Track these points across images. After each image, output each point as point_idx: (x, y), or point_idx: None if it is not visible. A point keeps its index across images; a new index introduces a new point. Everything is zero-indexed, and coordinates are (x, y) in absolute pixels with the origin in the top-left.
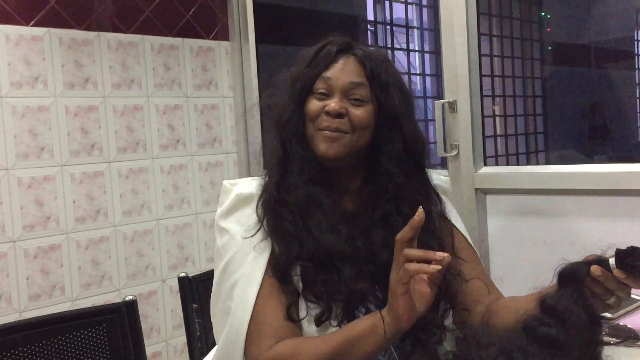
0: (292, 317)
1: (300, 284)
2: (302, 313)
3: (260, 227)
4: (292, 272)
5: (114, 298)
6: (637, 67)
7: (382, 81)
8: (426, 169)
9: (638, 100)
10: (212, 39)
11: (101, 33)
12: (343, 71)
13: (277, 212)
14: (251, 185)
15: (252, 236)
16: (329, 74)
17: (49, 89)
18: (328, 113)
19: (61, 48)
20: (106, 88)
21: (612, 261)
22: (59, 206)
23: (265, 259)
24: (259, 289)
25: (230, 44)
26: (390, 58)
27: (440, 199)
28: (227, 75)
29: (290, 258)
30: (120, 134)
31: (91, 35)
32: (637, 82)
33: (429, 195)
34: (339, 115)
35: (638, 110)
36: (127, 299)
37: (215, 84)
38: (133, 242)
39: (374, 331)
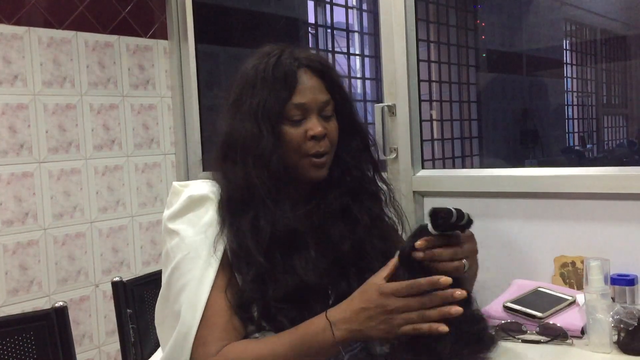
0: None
1: (256, 318)
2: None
3: (213, 232)
4: (252, 309)
5: (43, 304)
6: (565, 75)
7: (339, 88)
8: (379, 164)
9: (566, 107)
10: (149, 37)
11: (32, 28)
12: (311, 91)
13: (250, 251)
14: (204, 187)
15: (212, 245)
16: (300, 98)
17: None
18: (314, 137)
19: None
20: (36, 85)
21: (429, 226)
22: None
23: (217, 261)
24: (210, 292)
25: (168, 42)
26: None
27: (391, 190)
28: (166, 74)
29: (255, 297)
30: (51, 134)
31: (21, 30)
32: (565, 89)
33: (381, 188)
34: (323, 136)
35: (566, 117)
36: (57, 305)
37: (153, 84)
38: (64, 245)
39: (325, 329)
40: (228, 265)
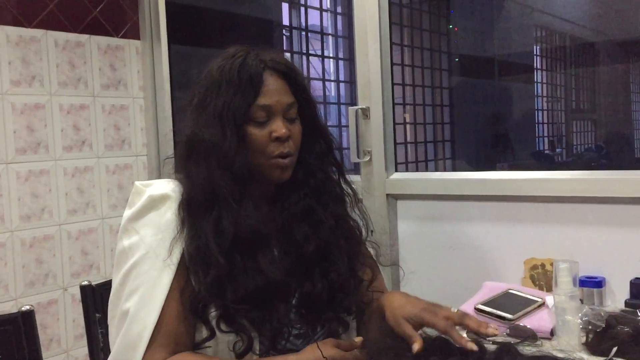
0: (199, 337)
1: (215, 321)
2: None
3: (172, 232)
4: (209, 311)
5: (9, 308)
6: (536, 80)
7: (303, 91)
8: (343, 166)
9: (536, 111)
10: (121, 37)
11: None
12: (276, 93)
13: (211, 252)
14: (165, 186)
15: (169, 245)
16: (266, 100)
17: None
18: (278, 138)
19: None
20: (4, 85)
21: None
22: None
23: (175, 263)
24: (166, 295)
25: (141, 43)
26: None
27: (355, 194)
28: (138, 75)
29: (213, 299)
30: (19, 134)
31: None
32: (535, 94)
33: (346, 190)
34: (287, 138)
35: (536, 121)
36: (23, 308)
37: (125, 84)
38: (32, 248)
39: None
40: (184, 268)
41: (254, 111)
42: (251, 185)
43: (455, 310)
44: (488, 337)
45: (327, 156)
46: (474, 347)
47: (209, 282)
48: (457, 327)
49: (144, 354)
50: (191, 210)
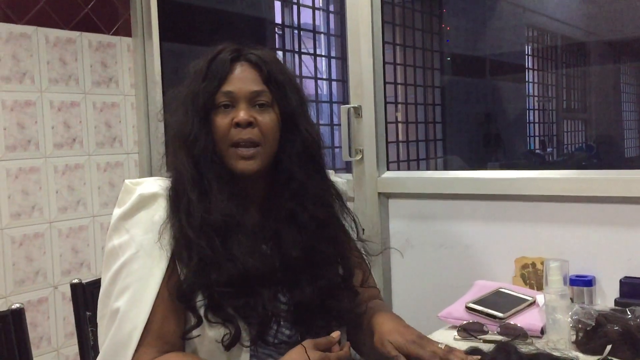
0: (188, 334)
1: (203, 310)
2: (198, 331)
3: (161, 231)
4: (196, 298)
5: None
6: (527, 79)
7: (279, 83)
8: (324, 168)
9: (528, 111)
10: (113, 34)
11: None
12: (242, 81)
13: (190, 237)
14: (155, 185)
15: (158, 240)
16: (229, 87)
17: None
18: (238, 124)
19: None
20: None
21: None
22: None
23: (165, 262)
24: (156, 294)
25: (132, 40)
26: (298, 62)
27: (340, 195)
28: (129, 72)
29: (199, 284)
30: (9, 131)
31: None
32: (527, 94)
33: (330, 192)
34: (249, 124)
35: (528, 121)
36: (13, 307)
37: (116, 81)
38: (22, 246)
39: None
40: (174, 262)
41: (218, 97)
42: (221, 175)
43: (443, 346)
44: None
45: (307, 156)
46: None
47: (193, 265)
48: None
49: (134, 354)
50: (172, 202)
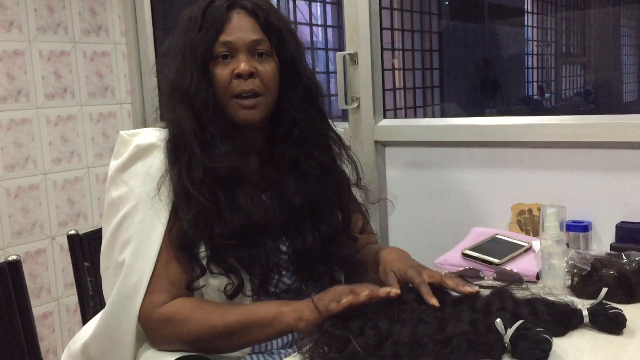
0: (194, 284)
1: (205, 261)
2: (202, 281)
3: (160, 183)
4: (199, 249)
5: None
6: (526, 24)
7: (277, 31)
8: (326, 113)
9: (526, 56)
10: None
11: None
12: (240, 30)
13: (191, 191)
14: (152, 135)
15: (157, 193)
16: (227, 37)
17: None
18: (240, 75)
19: None
20: None
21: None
22: None
23: (167, 211)
24: (160, 243)
25: None
26: (292, 8)
27: (341, 140)
28: (119, 20)
29: (201, 236)
30: None
31: None
32: (525, 38)
33: (332, 137)
34: (250, 75)
35: (526, 66)
36: (10, 258)
37: (106, 30)
38: (17, 197)
39: (273, 323)
40: (175, 213)
41: (216, 48)
42: (223, 126)
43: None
44: (467, 294)
45: (310, 102)
46: (435, 303)
47: (192, 218)
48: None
49: (144, 298)
50: (170, 153)
